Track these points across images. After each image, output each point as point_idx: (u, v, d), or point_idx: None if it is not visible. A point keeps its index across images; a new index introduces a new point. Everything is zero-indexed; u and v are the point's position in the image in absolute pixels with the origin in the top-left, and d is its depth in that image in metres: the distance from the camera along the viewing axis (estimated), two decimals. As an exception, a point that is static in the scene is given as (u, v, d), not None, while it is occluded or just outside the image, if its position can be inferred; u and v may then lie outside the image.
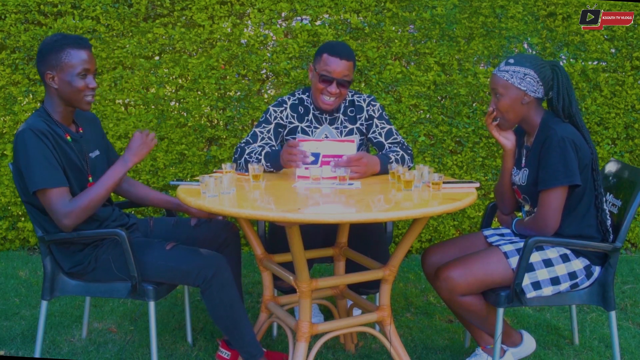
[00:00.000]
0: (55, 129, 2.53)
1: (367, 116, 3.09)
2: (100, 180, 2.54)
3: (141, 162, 4.42)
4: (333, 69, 2.91)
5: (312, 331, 2.52)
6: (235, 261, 2.87)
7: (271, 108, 3.08)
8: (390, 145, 3.06)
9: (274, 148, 3.00)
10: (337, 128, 3.07)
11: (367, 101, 3.10)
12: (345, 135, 3.07)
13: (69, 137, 2.57)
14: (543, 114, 2.63)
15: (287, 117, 3.06)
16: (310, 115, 3.07)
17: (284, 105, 3.07)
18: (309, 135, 3.06)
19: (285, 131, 3.08)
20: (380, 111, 3.10)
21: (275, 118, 3.06)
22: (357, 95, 3.12)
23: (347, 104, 3.09)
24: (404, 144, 3.08)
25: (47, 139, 2.45)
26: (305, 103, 3.09)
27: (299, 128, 3.06)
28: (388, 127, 3.09)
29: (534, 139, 2.64)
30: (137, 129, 2.57)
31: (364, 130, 3.10)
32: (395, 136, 3.08)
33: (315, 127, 3.07)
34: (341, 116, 3.07)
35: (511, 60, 2.60)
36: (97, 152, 2.71)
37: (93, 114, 2.85)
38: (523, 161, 2.69)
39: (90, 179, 2.63)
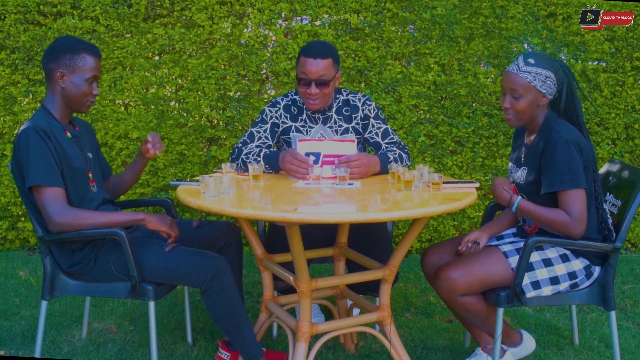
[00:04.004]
0: (56, 126, 2.58)
1: (362, 115, 3.09)
2: (109, 212, 2.61)
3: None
4: (308, 69, 2.89)
5: (312, 331, 2.52)
6: (237, 262, 2.87)
7: (266, 108, 3.09)
8: (387, 145, 3.06)
9: (272, 149, 3.01)
10: (331, 127, 3.07)
11: (362, 100, 3.10)
12: (341, 134, 3.07)
13: (69, 134, 2.62)
14: (546, 113, 2.62)
15: (280, 117, 3.07)
16: (304, 115, 3.07)
17: (278, 106, 3.08)
18: (303, 134, 3.06)
19: (280, 130, 3.08)
20: (376, 111, 3.10)
21: (271, 118, 3.07)
22: (352, 95, 3.12)
23: (340, 103, 3.09)
24: (400, 143, 3.08)
25: (48, 139, 2.50)
26: (298, 103, 3.09)
27: (293, 127, 3.07)
28: (384, 127, 3.09)
29: (534, 137, 2.63)
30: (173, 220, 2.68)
31: (360, 130, 3.10)
32: (392, 136, 3.08)
33: (310, 127, 3.07)
34: (334, 115, 3.07)
35: (531, 60, 2.52)
36: (91, 155, 2.76)
37: (87, 122, 2.92)
38: (522, 159, 2.69)
39: (90, 175, 2.66)
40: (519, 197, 2.55)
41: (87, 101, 2.63)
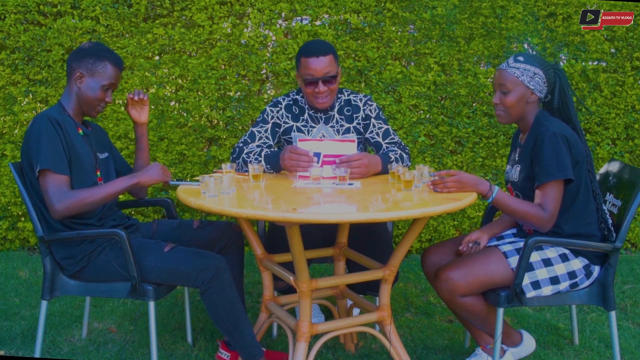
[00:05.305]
0: (69, 122, 2.63)
1: (363, 115, 3.09)
2: (103, 185, 2.62)
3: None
4: (313, 69, 2.90)
5: (312, 331, 2.52)
6: (238, 262, 2.87)
7: (268, 108, 3.09)
8: (387, 145, 3.07)
9: (272, 149, 3.01)
10: (333, 127, 3.07)
11: (363, 100, 3.10)
12: (342, 134, 3.07)
13: (80, 131, 2.67)
14: (537, 112, 2.65)
15: (282, 117, 3.07)
16: (306, 115, 3.07)
17: (279, 106, 3.08)
18: (304, 134, 3.06)
19: (281, 130, 3.08)
20: (377, 111, 3.10)
21: (272, 117, 3.07)
22: (353, 95, 3.12)
23: (342, 103, 3.09)
24: (401, 143, 3.08)
25: (60, 129, 2.55)
26: (300, 103, 3.09)
27: (294, 127, 3.07)
28: (385, 127, 3.09)
29: (526, 136, 2.65)
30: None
31: (361, 130, 3.10)
32: (393, 136, 3.08)
33: (312, 127, 3.07)
34: (336, 115, 3.07)
35: (520, 58, 2.59)
36: (105, 154, 2.81)
37: (98, 125, 2.98)
38: (517, 158, 2.70)
39: (98, 173, 2.69)
40: (497, 187, 2.56)
41: (98, 106, 2.69)
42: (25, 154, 2.58)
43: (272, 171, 2.90)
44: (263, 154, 2.90)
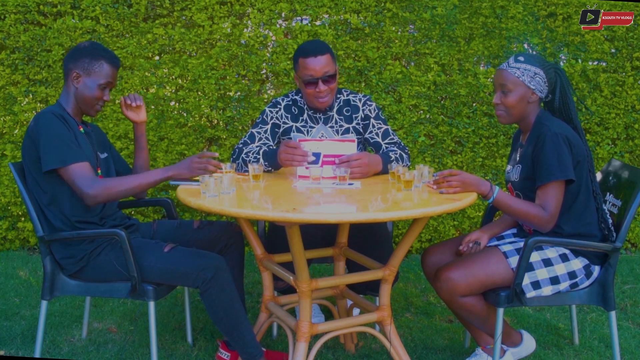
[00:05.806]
0: (70, 120, 2.64)
1: (363, 116, 3.09)
2: (137, 175, 2.63)
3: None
4: (312, 68, 2.90)
5: (312, 331, 2.52)
6: (238, 263, 2.87)
7: (267, 109, 3.09)
8: (387, 145, 3.06)
9: (271, 147, 3.01)
10: (332, 127, 3.07)
11: (362, 100, 3.10)
12: (342, 135, 3.07)
13: (81, 129, 2.68)
14: (538, 112, 2.65)
15: (281, 117, 3.07)
16: (305, 115, 3.07)
17: (278, 106, 3.09)
18: (304, 134, 3.06)
19: (280, 131, 3.08)
20: (377, 111, 3.10)
21: (272, 118, 3.07)
22: (353, 95, 3.12)
23: (341, 103, 3.09)
24: (400, 143, 3.08)
25: (66, 123, 2.57)
26: (299, 104, 3.09)
27: (294, 127, 3.07)
28: (385, 127, 3.09)
29: (527, 136, 2.66)
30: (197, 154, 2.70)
31: (361, 130, 3.10)
32: (392, 136, 3.08)
33: (311, 127, 3.07)
34: (335, 115, 3.07)
35: (521, 58, 2.59)
36: (105, 154, 2.81)
37: (97, 125, 2.99)
38: (517, 158, 2.70)
39: (99, 172, 2.69)
40: (498, 187, 2.56)
41: (97, 105, 2.69)
42: (29, 151, 2.58)
43: (270, 169, 2.90)
44: (261, 151, 2.90)
